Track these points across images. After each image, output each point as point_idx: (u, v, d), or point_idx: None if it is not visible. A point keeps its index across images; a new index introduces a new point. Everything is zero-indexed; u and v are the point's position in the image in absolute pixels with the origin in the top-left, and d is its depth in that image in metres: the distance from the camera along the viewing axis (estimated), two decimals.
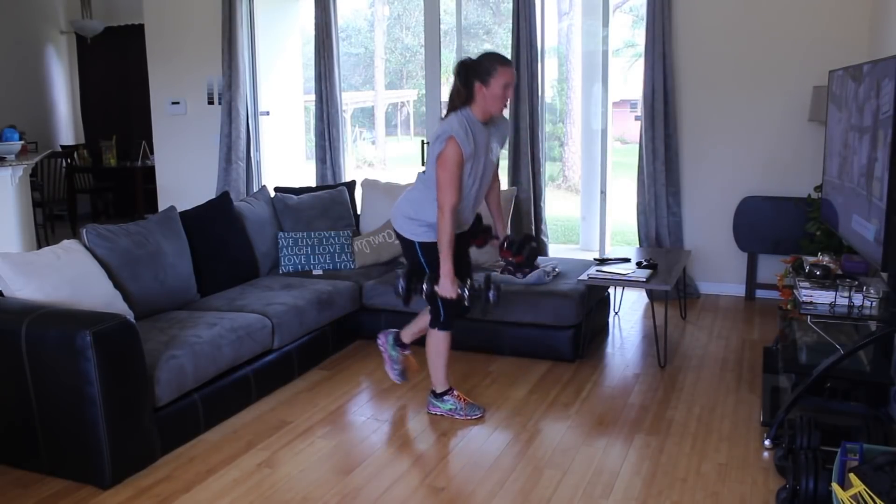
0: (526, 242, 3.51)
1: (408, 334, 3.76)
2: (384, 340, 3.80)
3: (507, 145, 5.41)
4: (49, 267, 3.31)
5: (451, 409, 3.55)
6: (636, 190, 5.68)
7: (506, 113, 3.52)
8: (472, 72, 3.19)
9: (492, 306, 3.37)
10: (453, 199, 3.17)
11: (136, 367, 3.04)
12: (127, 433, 3.01)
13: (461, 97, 3.22)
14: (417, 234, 3.39)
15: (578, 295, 4.25)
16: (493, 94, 3.17)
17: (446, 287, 3.23)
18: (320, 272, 4.85)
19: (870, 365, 3.35)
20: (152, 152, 7.99)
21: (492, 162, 3.42)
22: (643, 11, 5.48)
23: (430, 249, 3.33)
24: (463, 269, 3.46)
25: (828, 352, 3.32)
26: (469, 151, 3.18)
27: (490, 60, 3.18)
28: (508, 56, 5.80)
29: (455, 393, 3.59)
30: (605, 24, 5.83)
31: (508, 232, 3.79)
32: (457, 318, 3.52)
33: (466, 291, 3.26)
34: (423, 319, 3.64)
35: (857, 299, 3.25)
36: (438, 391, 3.60)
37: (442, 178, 3.16)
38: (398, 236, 3.49)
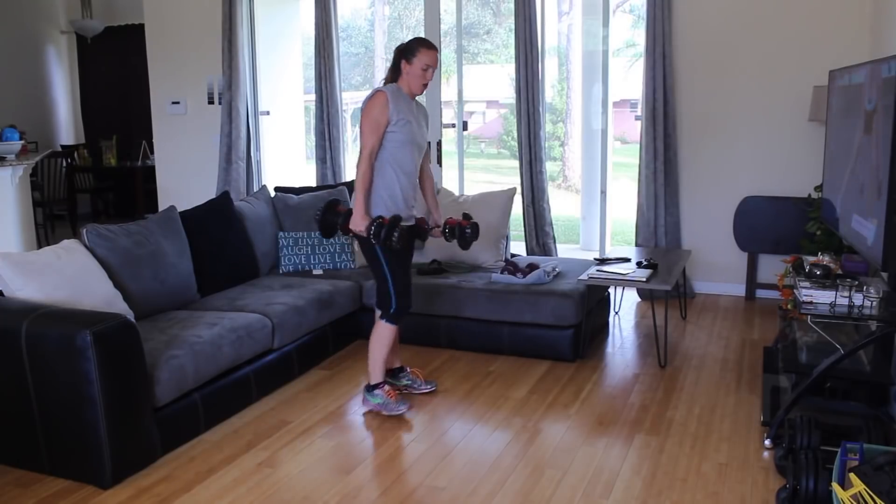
0: (459, 228, 3.73)
1: (375, 373, 3.69)
2: (365, 401, 3.71)
3: (508, 145, 5.38)
4: (49, 267, 3.31)
5: (379, 404, 3.62)
6: (636, 190, 5.68)
7: (424, 101, 3.85)
8: (401, 52, 3.51)
9: (393, 244, 3.36)
10: (372, 145, 3.41)
11: (136, 367, 3.04)
12: (127, 433, 3.01)
13: (391, 76, 3.55)
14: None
15: (578, 295, 4.25)
16: (415, 72, 3.46)
17: (357, 221, 3.42)
18: (320, 272, 4.85)
19: (870, 365, 3.35)
20: (152, 152, 8.00)
21: (424, 138, 3.62)
22: (643, 11, 5.48)
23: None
24: (407, 260, 3.69)
25: (828, 352, 3.32)
26: (394, 107, 3.43)
27: (416, 42, 3.49)
28: (511, 55, 5.82)
29: (385, 388, 3.66)
30: (606, 23, 5.83)
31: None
32: (406, 313, 3.63)
33: (373, 227, 3.36)
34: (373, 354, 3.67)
35: (858, 299, 3.24)
36: (372, 383, 3.67)
37: (364, 124, 3.42)
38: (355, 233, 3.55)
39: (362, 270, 4.86)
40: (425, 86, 3.54)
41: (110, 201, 9.92)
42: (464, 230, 3.72)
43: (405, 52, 3.49)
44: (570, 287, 4.31)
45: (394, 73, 3.54)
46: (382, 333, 3.62)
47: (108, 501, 2.89)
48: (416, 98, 3.63)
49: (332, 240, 4.91)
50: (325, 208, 3.56)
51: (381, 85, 3.55)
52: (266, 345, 3.86)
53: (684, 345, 4.60)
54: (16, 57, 9.16)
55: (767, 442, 3.22)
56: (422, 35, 5.24)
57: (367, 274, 4.78)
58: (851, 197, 3.53)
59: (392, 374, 3.89)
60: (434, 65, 3.50)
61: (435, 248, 4.92)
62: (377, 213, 3.47)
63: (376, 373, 3.66)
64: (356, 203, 3.43)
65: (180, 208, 4.35)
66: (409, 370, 3.94)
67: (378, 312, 3.64)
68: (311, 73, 6.53)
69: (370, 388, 3.66)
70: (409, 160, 3.53)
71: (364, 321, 4.63)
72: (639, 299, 5.64)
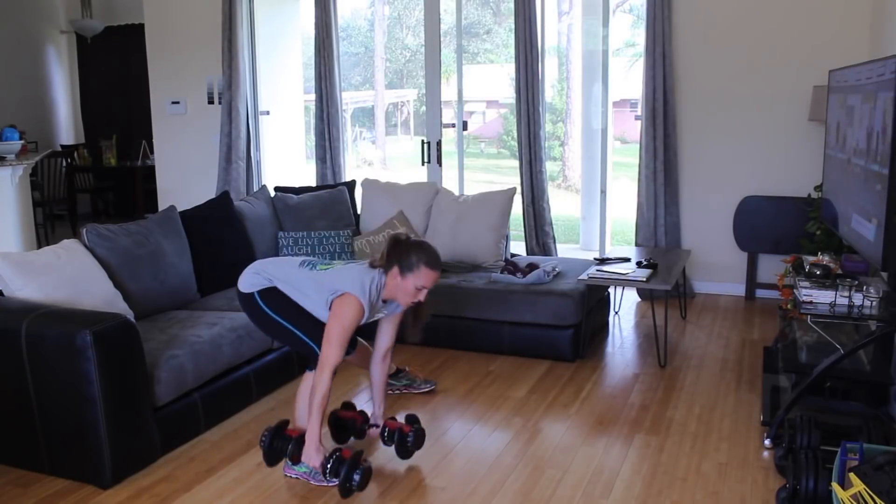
0: (399, 434, 3.14)
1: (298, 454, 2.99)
2: (288, 468, 3.07)
3: (508, 145, 5.38)
4: (49, 266, 3.31)
5: (305, 473, 3.01)
6: (636, 189, 5.68)
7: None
8: (397, 255, 2.91)
9: (353, 486, 2.82)
10: (338, 358, 2.85)
11: (136, 367, 3.04)
12: (127, 433, 3.01)
13: (382, 262, 2.95)
14: (255, 285, 3.04)
15: (578, 294, 4.25)
16: (405, 289, 2.90)
17: (310, 454, 2.88)
18: None
19: (870, 365, 3.35)
20: (152, 152, 8.00)
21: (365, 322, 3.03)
22: (643, 11, 5.48)
23: (271, 293, 3.02)
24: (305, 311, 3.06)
25: (828, 351, 3.32)
26: (367, 316, 2.91)
27: (419, 255, 2.90)
28: (511, 55, 5.82)
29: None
30: (606, 23, 5.83)
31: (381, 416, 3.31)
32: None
33: (330, 462, 2.83)
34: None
35: (858, 299, 3.25)
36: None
37: (334, 331, 2.84)
38: (242, 303, 3.11)
39: None
40: (415, 303, 2.97)
41: (110, 201, 9.92)
42: (405, 437, 3.12)
43: (402, 259, 2.89)
44: (570, 287, 4.31)
45: (387, 263, 2.94)
46: (306, 384, 3.07)
47: (108, 501, 2.89)
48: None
49: (331, 239, 4.90)
50: (274, 432, 2.99)
51: (367, 267, 2.96)
52: (266, 344, 3.86)
53: (684, 345, 4.60)
54: (16, 57, 9.16)
55: (767, 442, 3.22)
56: (421, 35, 5.22)
57: None
58: (851, 197, 3.53)
59: (391, 375, 3.88)
60: (431, 286, 2.93)
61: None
62: (257, 285, 3.01)
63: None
64: (310, 432, 2.87)
65: (180, 208, 4.35)
66: (407, 370, 3.94)
67: (308, 371, 3.13)
68: (311, 73, 6.53)
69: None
70: None
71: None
72: (639, 299, 5.64)
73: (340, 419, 3.33)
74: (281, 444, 3.00)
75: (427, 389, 3.88)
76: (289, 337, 3.07)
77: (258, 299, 3.04)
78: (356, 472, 2.82)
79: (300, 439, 2.95)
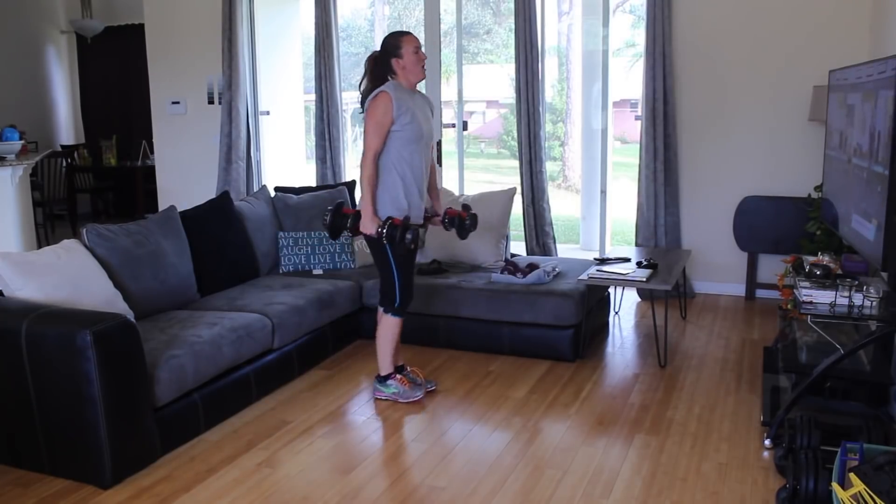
0: (458, 219, 3.82)
1: (384, 364, 3.81)
2: (377, 391, 3.85)
3: (508, 145, 5.37)
4: (49, 267, 3.31)
5: (394, 393, 3.76)
6: (636, 190, 5.68)
7: (423, 87, 3.80)
8: (383, 54, 3.50)
9: (407, 245, 3.46)
10: (376, 146, 3.43)
11: (136, 367, 3.04)
12: (127, 433, 3.01)
13: (374, 83, 3.50)
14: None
15: (578, 295, 4.25)
16: (410, 61, 3.47)
17: (366, 223, 3.46)
18: (320, 272, 4.85)
19: (870, 365, 3.35)
20: (152, 152, 8.00)
21: (431, 131, 3.64)
22: (643, 11, 5.48)
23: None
24: (414, 256, 3.75)
25: (828, 351, 3.32)
26: (397, 106, 3.41)
27: (392, 37, 3.51)
28: (511, 55, 5.83)
29: (398, 377, 3.79)
30: (606, 23, 5.83)
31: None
32: (409, 304, 3.74)
33: (385, 230, 3.42)
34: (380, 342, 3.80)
35: (858, 299, 3.25)
36: (382, 374, 3.79)
37: (368, 124, 3.42)
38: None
39: (362, 270, 4.86)
40: (424, 67, 3.54)
41: (110, 201, 9.92)
42: (463, 221, 3.81)
43: (390, 52, 3.49)
44: (570, 287, 4.30)
45: (378, 78, 3.52)
46: (389, 326, 3.72)
47: (108, 501, 2.90)
48: (419, 89, 3.63)
49: (331, 239, 4.90)
50: (334, 211, 3.60)
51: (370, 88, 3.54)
52: (266, 345, 3.86)
53: (684, 345, 4.60)
54: (16, 57, 9.15)
55: (767, 442, 3.22)
56: (421, 35, 5.23)
57: (367, 274, 4.78)
58: (852, 197, 3.53)
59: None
60: (419, 43, 3.53)
61: (435, 248, 4.92)
62: (383, 214, 3.50)
63: (385, 364, 3.77)
64: (363, 205, 3.46)
65: (180, 208, 4.35)
66: (409, 369, 3.94)
67: (381, 309, 3.75)
68: (311, 73, 6.53)
69: (382, 379, 3.79)
70: (417, 158, 3.54)
71: (364, 321, 4.63)
72: (639, 299, 5.64)
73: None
74: (340, 221, 3.58)
75: (428, 389, 3.88)
76: (386, 273, 3.63)
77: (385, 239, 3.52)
78: (408, 232, 3.43)
79: (357, 214, 3.54)
